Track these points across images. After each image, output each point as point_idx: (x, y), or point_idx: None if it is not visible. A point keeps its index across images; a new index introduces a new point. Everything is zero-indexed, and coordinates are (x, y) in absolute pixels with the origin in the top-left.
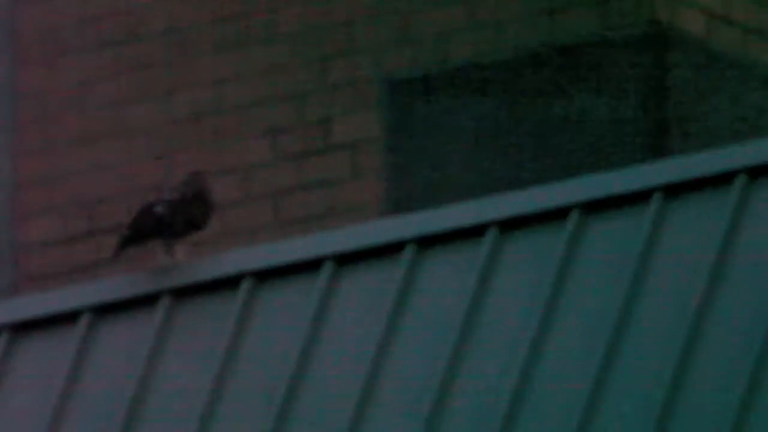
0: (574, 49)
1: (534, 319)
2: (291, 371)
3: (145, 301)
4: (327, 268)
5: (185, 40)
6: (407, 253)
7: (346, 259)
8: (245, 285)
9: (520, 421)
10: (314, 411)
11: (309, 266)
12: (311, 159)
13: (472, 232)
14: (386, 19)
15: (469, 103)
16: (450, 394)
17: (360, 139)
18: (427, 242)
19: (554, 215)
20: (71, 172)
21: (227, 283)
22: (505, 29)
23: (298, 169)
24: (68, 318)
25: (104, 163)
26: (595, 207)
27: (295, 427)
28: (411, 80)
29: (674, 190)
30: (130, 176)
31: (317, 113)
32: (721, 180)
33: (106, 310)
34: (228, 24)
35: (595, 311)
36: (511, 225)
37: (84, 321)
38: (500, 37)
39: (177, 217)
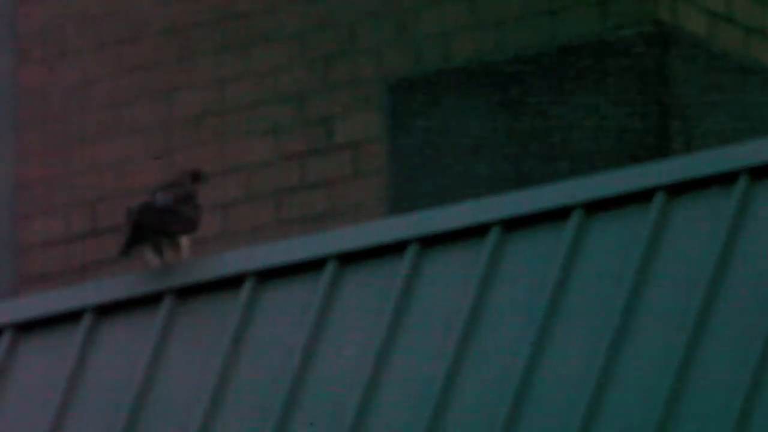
0: (576, 49)
1: (536, 318)
2: (294, 370)
3: (148, 301)
4: (329, 268)
5: (186, 41)
6: (410, 253)
7: (349, 259)
8: (248, 284)
9: (522, 419)
10: (317, 410)
11: (311, 266)
12: (313, 158)
13: (474, 232)
14: (387, 19)
15: (470, 102)
16: (453, 393)
17: (361, 139)
18: (430, 242)
19: (556, 215)
20: (72, 172)
21: (230, 283)
22: (506, 29)
23: (300, 168)
24: (71, 318)
25: (104, 163)
26: (598, 207)
27: (297, 426)
28: (412, 80)
29: (676, 190)
30: (130, 176)
31: (319, 113)
32: (723, 180)
33: (109, 310)
34: (229, 24)
35: (598, 310)
36: (513, 224)
37: (86, 321)
38: (501, 37)
39: (178, 215)
